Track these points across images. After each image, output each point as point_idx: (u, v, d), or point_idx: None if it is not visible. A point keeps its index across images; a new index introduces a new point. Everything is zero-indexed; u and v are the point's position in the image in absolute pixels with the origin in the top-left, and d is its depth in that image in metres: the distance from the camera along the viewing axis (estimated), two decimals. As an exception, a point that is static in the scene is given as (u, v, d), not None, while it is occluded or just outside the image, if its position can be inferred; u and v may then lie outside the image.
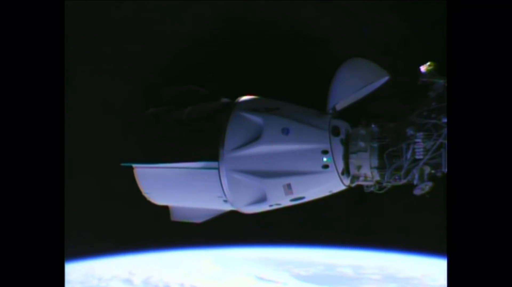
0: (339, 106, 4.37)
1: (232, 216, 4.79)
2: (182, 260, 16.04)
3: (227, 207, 4.63)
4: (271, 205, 4.44)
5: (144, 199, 4.91)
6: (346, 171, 4.24)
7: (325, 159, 4.14)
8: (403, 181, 4.02)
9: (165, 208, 5.12)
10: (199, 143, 4.40)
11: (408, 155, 3.94)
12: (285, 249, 16.17)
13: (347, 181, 4.29)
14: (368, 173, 4.17)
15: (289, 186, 4.23)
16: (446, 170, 3.84)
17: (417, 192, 3.92)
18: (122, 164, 4.65)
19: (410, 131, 3.95)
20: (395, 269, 15.62)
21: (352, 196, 4.61)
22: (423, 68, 4.01)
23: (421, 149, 3.90)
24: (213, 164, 4.27)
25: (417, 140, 3.91)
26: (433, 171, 3.94)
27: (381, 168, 4.10)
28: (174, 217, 5.13)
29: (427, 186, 3.88)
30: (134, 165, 4.68)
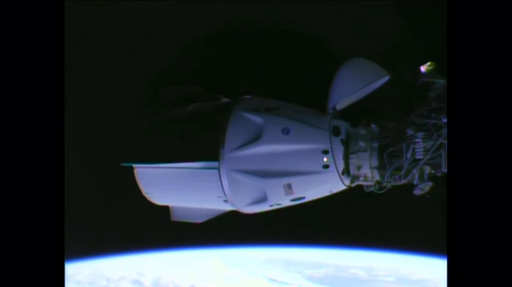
0: (339, 106, 4.37)
1: (236, 216, 4.79)
2: (189, 260, 15.93)
3: (228, 207, 4.63)
4: (271, 205, 4.44)
5: (144, 199, 4.91)
6: (346, 171, 4.24)
7: (325, 159, 4.14)
8: (403, 181, 4.02)
9: (166, 208, 5.12)
10: (199, 143, 4.40)
11: (408, 155, 3.94)
12: (290, 250, 16.03)
13: (347, 181, 4.29)
14: (368, 173, 4.17)
15: (289, 186, 4.23)
16: (446, 170, 3.84)
17: (417, 192, 3.92)
18: (122, 164, 4.65)
19: (410, 131, 3.94)
20: (407, 271, 15.48)
21: (353, 197, 4.61)
22: (423, 68, 4.01)
23: (421, 149, 3.89)
24: (213, 164, 4.27)
25: (417, 140, 3.91)
26: (433, 171, 3.93)
27: (381, 168, 4.09)
28: (175, 217, 5.13)
29: (427, 186, 3.88)
30: (134, 165, 4.68)
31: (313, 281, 15.21)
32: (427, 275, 15.09)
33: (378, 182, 4.21)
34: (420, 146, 3.90)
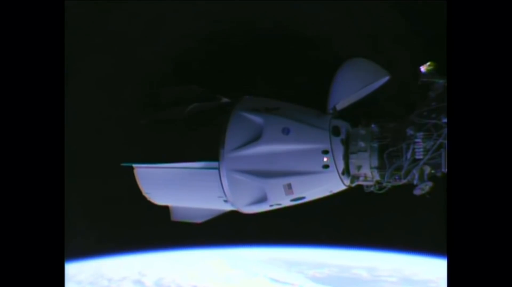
0: (339, 106, 4.37)
1: (236, 216, 4.78)
2: (190, 260, 15.86)
3: (228, 207, 4.63)
4: (271, 205, 4.44)
5: (144, 199, 4.90)
6: (346, 171, 4.24)
7: (325, 159, 4.14)
8: (403, 181, 4.02)
9: (166, 208, 5.12)
10: (199, 143, 4.41)
11: (408, 155, 3.94)
12: (293, 250, 15.95)
13: (347, 181, 4.29)
14: (368, 173, 4.17)
15: (289, 186, 4.23)
16: (446, 170, 3.84)
17: (417, 192, 3.92)
18: (123, 164, 4.65)
19: (410, 131, 3.94)
20: (410, 271, 15.38)
21: (353, 197, 4.60)
22: (423, 68, 4.01)
23: (421, 149, 3.89)
24: (214, 164, 4.27)
25: (417, 140, 3.91)
26: (433, 171, 3.94)
27: (381, 168, 4.10)
28: (175, 217, 5.13)
29: (427, 186, 3.88)
30: (134, 165, 4.68)
31: (315, 281, 15.16)
32: (429, 276, 15.02)
33: (378, 182, 4.21)
34: (420, 146, 3.90)
